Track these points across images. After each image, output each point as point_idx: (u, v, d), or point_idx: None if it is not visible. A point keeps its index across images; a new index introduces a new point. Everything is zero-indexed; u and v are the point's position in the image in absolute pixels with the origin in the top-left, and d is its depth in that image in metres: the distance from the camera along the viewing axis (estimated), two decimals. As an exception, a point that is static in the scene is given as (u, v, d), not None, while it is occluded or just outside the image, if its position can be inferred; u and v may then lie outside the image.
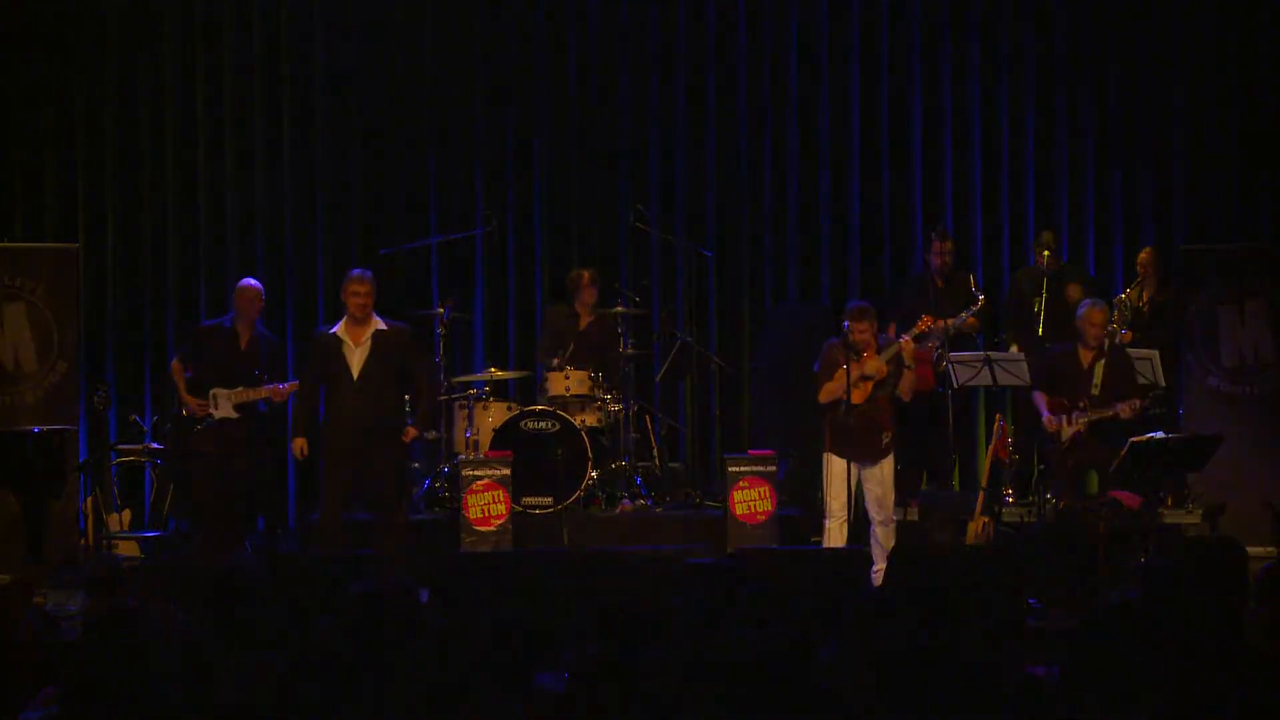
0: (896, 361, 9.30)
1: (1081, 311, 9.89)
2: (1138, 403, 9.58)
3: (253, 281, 10.15)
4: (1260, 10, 11.76)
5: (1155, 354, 10.37)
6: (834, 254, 12.10)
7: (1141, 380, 10.04)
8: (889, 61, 12.09)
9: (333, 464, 9.44)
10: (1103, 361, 9.74)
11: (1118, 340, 10.24)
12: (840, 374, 9.26)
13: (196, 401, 9.85)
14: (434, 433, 10.95)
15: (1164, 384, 10.38)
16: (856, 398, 9.25)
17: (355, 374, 9.43)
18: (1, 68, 11.59)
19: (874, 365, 9.25)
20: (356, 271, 9.68)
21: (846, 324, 9.32)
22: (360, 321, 9.48)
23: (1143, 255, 11.02)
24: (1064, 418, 9.67)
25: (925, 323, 9.57)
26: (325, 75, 11.95)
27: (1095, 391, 9.66)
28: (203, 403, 9.84)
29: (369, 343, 9.47)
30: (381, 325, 9.53)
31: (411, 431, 9.58)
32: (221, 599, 5.52)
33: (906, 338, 9.33)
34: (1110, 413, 9.56)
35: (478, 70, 12.03)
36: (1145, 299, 10.89)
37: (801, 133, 12.12)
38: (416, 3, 12.02)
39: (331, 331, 9.58)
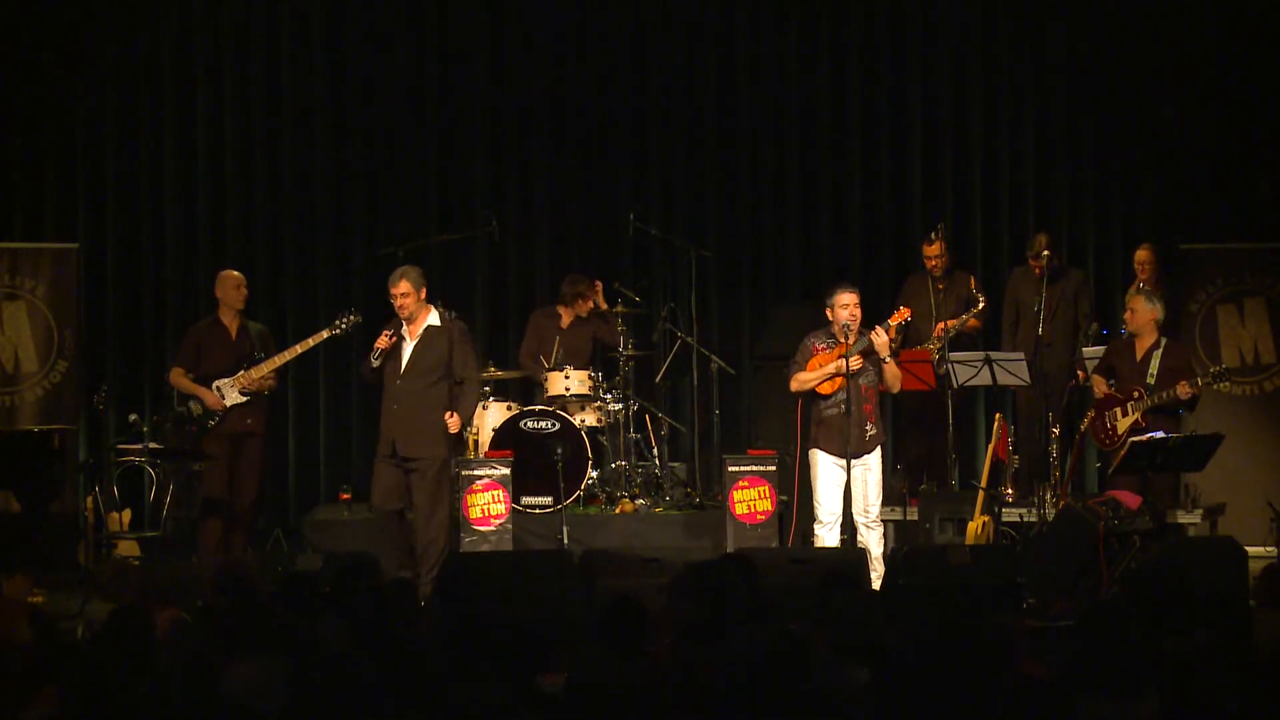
0: (871, 352, 9.03)
1: (1128, 300, 9.89)
2: (1198, 380, 9.39)
3: (233, 270, 10.05)
4: (1259, 9, 11.76)
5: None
6: (835, 254, 12.11)
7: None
8: (889, 62, 12.11)
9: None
10: (1159, 351, 9.59)
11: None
12: (814, 363, 9.06)
13: (213, 397, 9.71)
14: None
15: None
16: (826, 388, 9.02)
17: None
18: (2, 68, 11.60)
19: (880, 340, 9.00)
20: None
21: (829, 302, 9.09)
22: (409, 320, 9.27)
23: (1140, 253, 10.82)
24: (1118, 409, 9.61)
25: (902, 314, 9.34)
26: (325, 75, 11.98)
27: (1151, 380, 9.55)
28: (217, 398, 9.72)
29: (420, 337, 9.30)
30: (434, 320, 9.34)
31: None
32: (223, 600, 5.51)
33: (879, 327, 9.04)
34: (1166, 394, 9.41)
35: (478, 70, 12.05)
36: None
37: (802, 132, 12.14)
38: (417, 3, 12.04)
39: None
